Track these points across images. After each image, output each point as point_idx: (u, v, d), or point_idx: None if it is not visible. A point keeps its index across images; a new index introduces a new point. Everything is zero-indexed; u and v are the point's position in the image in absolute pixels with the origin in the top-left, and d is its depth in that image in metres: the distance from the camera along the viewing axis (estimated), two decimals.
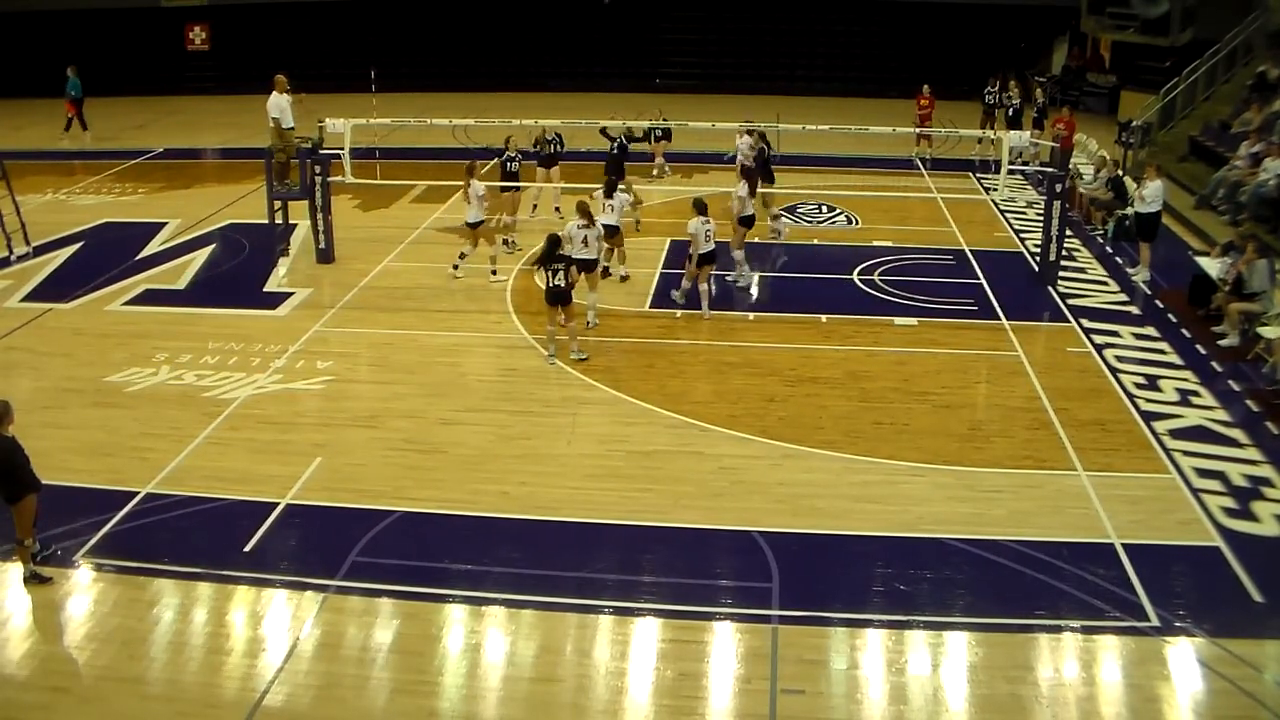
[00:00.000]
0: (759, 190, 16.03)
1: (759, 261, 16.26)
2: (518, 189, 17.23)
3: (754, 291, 15.30)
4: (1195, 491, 10.08)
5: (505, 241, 16.71)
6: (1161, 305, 14.79)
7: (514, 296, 15.11)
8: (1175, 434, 11.17)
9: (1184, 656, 7.96)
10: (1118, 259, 16.78)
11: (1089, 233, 18.17)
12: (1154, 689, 7.68)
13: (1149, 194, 15.68)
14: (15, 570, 8.82)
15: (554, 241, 12.64)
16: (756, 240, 16.63)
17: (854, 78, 30.23)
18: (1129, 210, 17.84)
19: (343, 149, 16.06)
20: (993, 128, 22.87)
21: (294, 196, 16.74)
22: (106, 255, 17.05)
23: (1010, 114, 22.69)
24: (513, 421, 11.40)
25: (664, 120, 20.68)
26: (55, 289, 15.62)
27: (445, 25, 32.06)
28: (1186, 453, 10.77)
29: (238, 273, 16.50)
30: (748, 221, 15.30)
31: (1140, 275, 15.80)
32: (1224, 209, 17.99)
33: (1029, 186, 20.75)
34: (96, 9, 31.09)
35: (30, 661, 7.99)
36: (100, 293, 15.44)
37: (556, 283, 12.51)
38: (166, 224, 18.78)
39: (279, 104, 16.54)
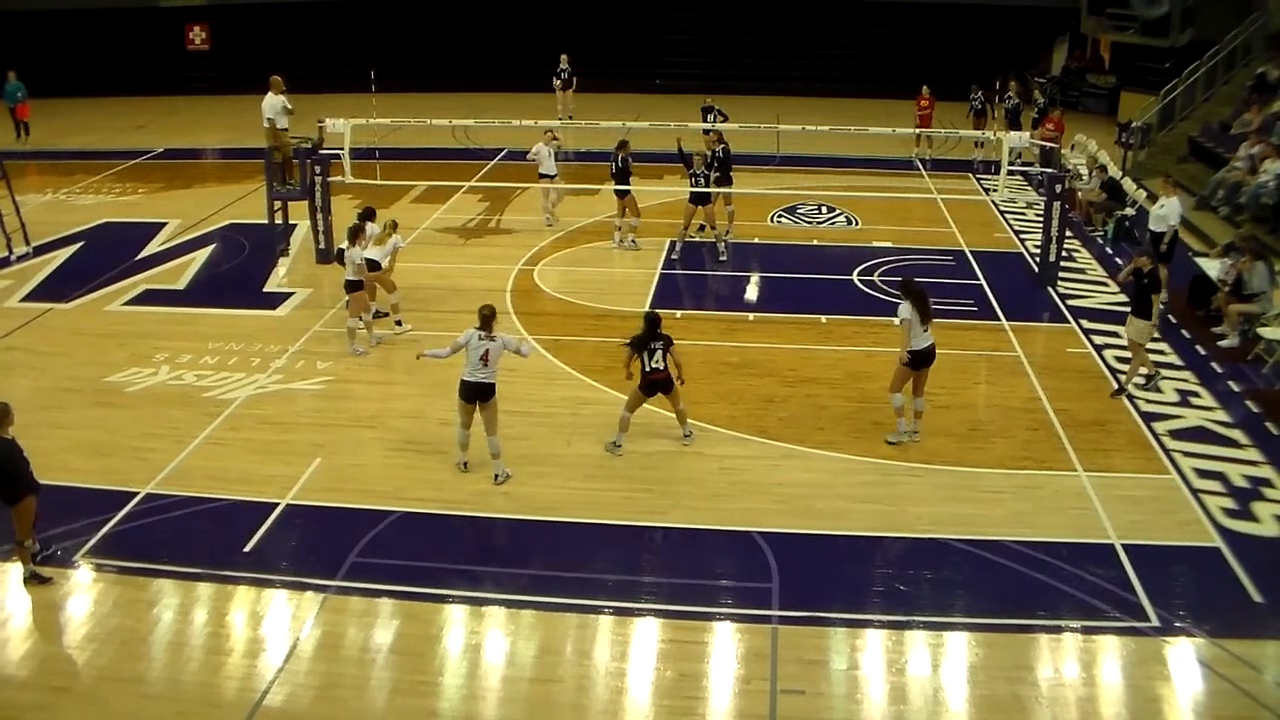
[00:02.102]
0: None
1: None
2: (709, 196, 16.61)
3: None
4: (1195, 492, 10.09)
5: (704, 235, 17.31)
6: (1161, 306, 14.76)
7: (514, 298, 15.12)
8: (1175, 434, 11.19)
9: (1184, 657, 7.97)
10: (1118, 260, 16.77)
11: (1089, 234, 18.18)
12: (1154, 689, 7.68)
13: (1166, 211, 14.77)
14: (15, 570, 8.83)
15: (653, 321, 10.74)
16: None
17: (854, 78, 30.23)
18: (1128, 210, 17.84)
19: (343, 149, 16.06)
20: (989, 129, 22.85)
21: (294, 197, 16.76)
22: (106, 255, 17.05)
23: (1008, 115, 22.65)
24: (512, 421, 11.37)
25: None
26: (55, 289, 15.62)
27: (445, 25, 32.06)
28: (1186, 453, 10.79)
29: (238, 273, 16.50)
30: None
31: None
32: (1224, 210, 17.98)
33: (1029, 187, 20.75)
34: (95, 9, 31.10)
35: (30, 662, 7.99)
36: (100, 293, 15.44)
37: (654, 365, 10.58)
38: (166, 224, 18.80)
39: (274, 104, 16.52)
